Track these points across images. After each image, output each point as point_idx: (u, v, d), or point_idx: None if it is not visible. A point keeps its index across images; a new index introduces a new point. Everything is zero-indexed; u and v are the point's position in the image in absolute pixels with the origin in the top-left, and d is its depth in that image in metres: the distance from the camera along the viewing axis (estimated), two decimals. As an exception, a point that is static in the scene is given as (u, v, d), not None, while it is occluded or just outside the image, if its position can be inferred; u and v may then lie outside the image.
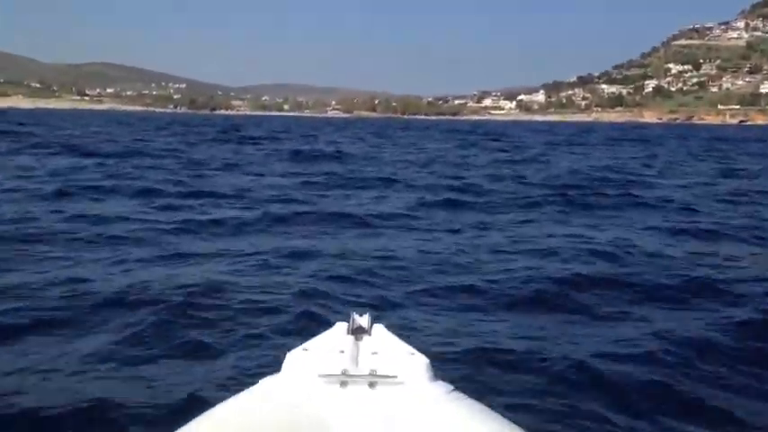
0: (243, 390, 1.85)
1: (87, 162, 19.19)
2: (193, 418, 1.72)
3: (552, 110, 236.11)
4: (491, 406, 1.81)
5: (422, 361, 1.84)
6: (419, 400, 1.75)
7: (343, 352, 1.88)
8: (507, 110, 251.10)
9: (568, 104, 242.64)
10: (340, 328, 2.06)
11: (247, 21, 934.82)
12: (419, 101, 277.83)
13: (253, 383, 1.86)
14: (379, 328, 2.06)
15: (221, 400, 1.79)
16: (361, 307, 4.08)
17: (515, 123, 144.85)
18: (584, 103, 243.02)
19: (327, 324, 2.19)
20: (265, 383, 1.86)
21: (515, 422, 1.75)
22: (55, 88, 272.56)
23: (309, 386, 1.79)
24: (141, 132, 44.62)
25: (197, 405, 2.25)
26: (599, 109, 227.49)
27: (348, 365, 1.82)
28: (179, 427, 1.66)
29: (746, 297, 6.15)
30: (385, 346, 1.93)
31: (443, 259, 7.64)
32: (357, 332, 2.04)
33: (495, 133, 63.11)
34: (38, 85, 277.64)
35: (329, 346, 1.92)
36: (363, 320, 2.10)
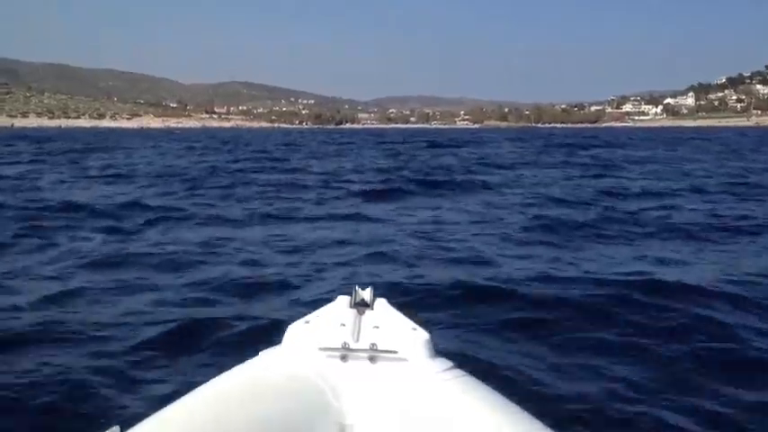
0: (243, 362, 1.79)
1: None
2: (194, 389, 1.66)
3: (703, 114, 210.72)
4: (490, 383, 1.78)
5: (423, 336, 1.81)
6: (419, 376, 1.73)
7: (344, 325, 1.84)
8: (653, 115, 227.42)
9: (722, 107, 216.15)
10: (342, 301, 2.00)
11: (374, 36, 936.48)
12: (552, 108, 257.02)
13: (254, 355, 1.81)
14: (381, 303, 2.00)
15: (221, 372, 1.73)
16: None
17: (677, 129, 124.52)
18: (739, 105, 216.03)
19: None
20: (265, 355, 1.82)
21: (512, 400, 1.71)
22: (190, 107, 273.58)
23: (310, 359, 1.77)
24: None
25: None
26: (758, 112, 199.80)
27: (349, 339, 1.79)
28: (179, 396, 1.61)
29: None
30: (386, 321, 1.88)
31: None
32: (359, 306, 1.98)
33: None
34: (174, 105, 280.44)
35: (331, 320, 1.88)
36: (366, 294, 2.03)
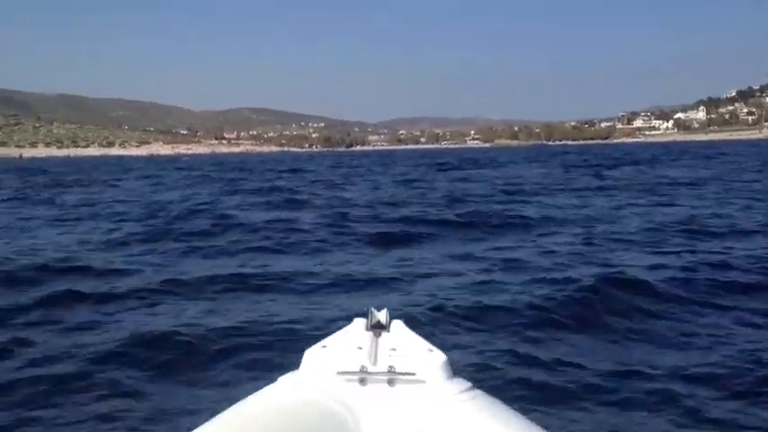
0: (261, 387, 1.78)
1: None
2: (215, 416, 1.64)
3: (714, 128, 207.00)
4: (510, 404, 1.75)
5: (440, 358, 1.78)
6: (438, 398, 1.70)
7: (361, 348, 1.82)
8: (663, 130, 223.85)
9: (733, 121, 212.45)
10: (358, 324, 1.98)
11: (383, 58, 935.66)
12: (563, 126, 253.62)
13: (272, 381, 1.79)
14: (397, 324, 1.98)
15: (240, 398, 1.72)
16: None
17: (688, 143, 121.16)
18: (750, 118, 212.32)
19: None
20: (283, 381, 1.81)
21: (535, 421, 1.68)
22: (200, 134, 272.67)
23: (328, 383, 1.75)
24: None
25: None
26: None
27: (366, 362, 1.77)
28: (199, 424, 1.59)
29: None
30: (403, 343, 1.86)
31: None
32: (375, 328, 1.96)
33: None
34: (184, 132, 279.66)
35: (348, 343, 1.86)
36: (382, 316, 2.01)
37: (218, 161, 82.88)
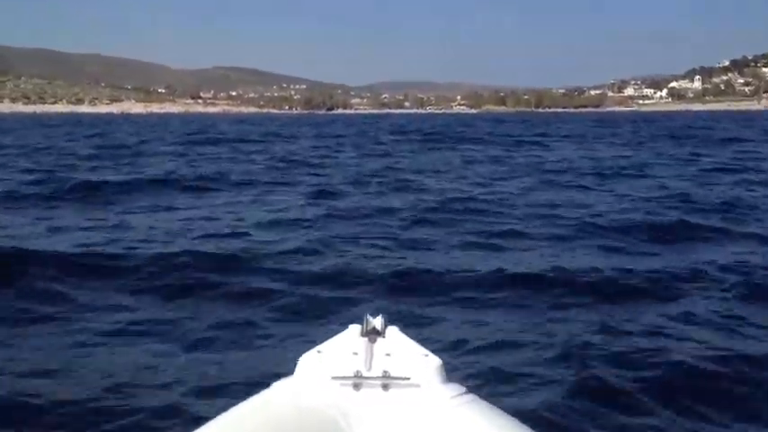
0: (256, 392, 1.75)
1: None
2: (209, 421, 1.62)
3: (710, 98, 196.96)
4: (505, 408, 1.74)
5: (435, 363, 1.77)
6: (433, 403, 1.69)
7: (356, 354, 1.80)
8: (657, 99, 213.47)
9: (730, 91, 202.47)
10: (354, 330, 1.93)
11: (365, 20, 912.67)
12: (552, 92, 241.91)
13: (266, 386, 1.77)
14: (392, 330, 1.93)
15: (235, 403, 1.69)
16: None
17: (689, 113, 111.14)
18: (747, 89, 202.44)
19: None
20: (278, 386, 1.77)
21: (529, 425, 1.67)
22: (178, 92, 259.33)
23: (323, 389, 1.73)
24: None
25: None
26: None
27: (361, 368, 1.75)
28: (191, 430, 1.58)
29: None
30: (399, 348, 1.84)
31: None
32: (371, 334, 1.91)
33: None
34: (162, 91, 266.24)
35: (342, 349, 1.83)
36: (377, 322, 1.95)
37: (187, 121, 72.64)
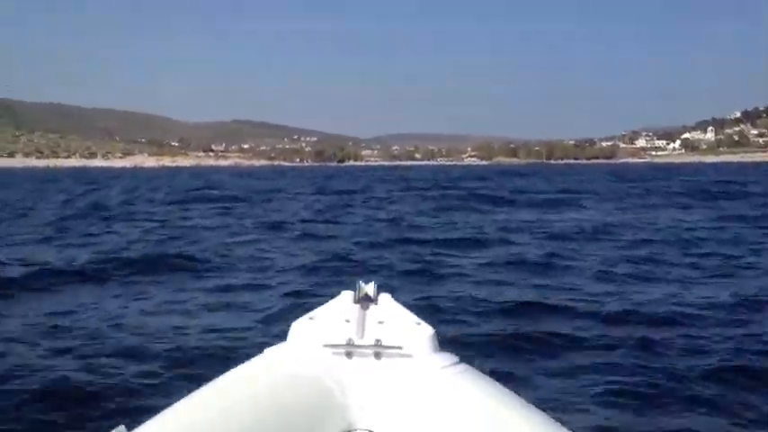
0: (248, 359, 1.72)
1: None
2: (201, 387, 1.59)
3: (724, 149, 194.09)
4: (496, 377, 1.70)
5: (428, 331, 1.74)
6: (424, 371, 1.67)
7: (348, 321, 1.77)
8: (669, 150, 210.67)
9: (744, 142, 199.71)
10: (346, 296, 1.93)
11: (375, 73, 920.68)
12: (564, 143, 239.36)
13: (259, 352, 1.73)
14: (385, 298, 1.93)
15: (226, 370, 1.65)
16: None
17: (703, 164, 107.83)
18: (761, 140, 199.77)
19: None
20: (270, 353, 1.75)
21: (519, 394, 1.63)
22: (191, 145, 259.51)
23: (315, 356, 1.70)
24: None
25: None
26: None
27: (354, 335, 1.72)
28: (184, 395, 1.54)
29: None
30: (391, 316, 1.81)
31: None
32: (363, 301, 1.90)
33: None
34: (175, 144, 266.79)
35: (335, 316, 1.81)
36: (370, 289, 1.94)
37: (198, 174, 70.09)
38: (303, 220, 16.38)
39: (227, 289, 7.71)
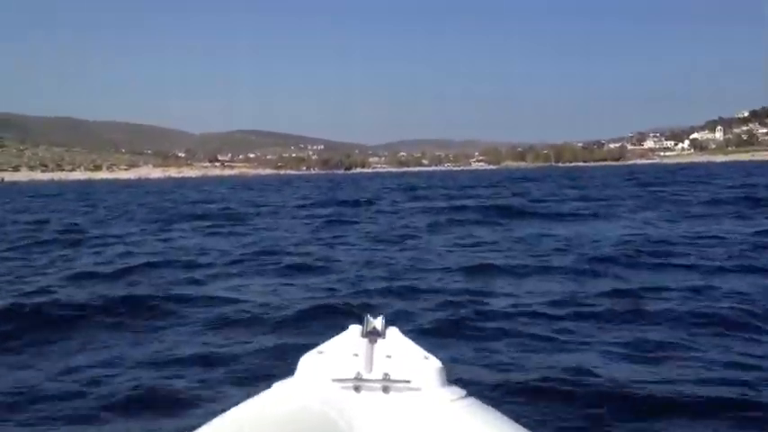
0: (256, 393, 1.71)
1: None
2: (209, 421, 1.56)
3: (733, 148, 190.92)
4: (504, 411, 1.67)
5: (435, 365, 1.73)
6: (432, 406, 1.65)
7: (357, 355, 1.76)
8: (678, 151, 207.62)
9: (753, 142, 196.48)
10: (354, 330, 1.90)
11: (384, 80, 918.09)
12: (572, 146, 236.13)
13: (267, 387, 1.71)
14: (393, 331, 1.91)
15: (235, 404, 1.62)
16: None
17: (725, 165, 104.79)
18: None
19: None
20: (278, 387, 1.74)
21: (529, 428, 1.61)
22: (198, 156, 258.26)
23: (323, 390, 1.69)
24: None
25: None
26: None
27: (362, 369, 1.72)
28: (193, 429, 1.51)
29: None
30: (399, 350, 1.80)
31: None
32: (371, 335, 1.88)
33: None
34: (181, 155, 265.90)
35: (343, 350, 1.79)
36: (378, 323, 1.93)
37: (200, 186, 67.84)
38: (296, 244, 13.78)
39: (159, 354, 5.16)
